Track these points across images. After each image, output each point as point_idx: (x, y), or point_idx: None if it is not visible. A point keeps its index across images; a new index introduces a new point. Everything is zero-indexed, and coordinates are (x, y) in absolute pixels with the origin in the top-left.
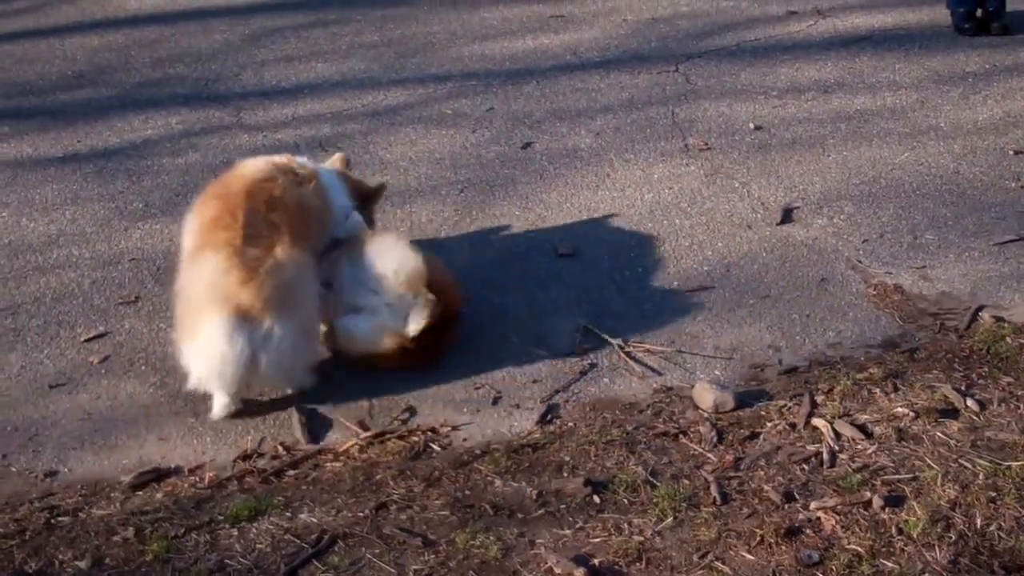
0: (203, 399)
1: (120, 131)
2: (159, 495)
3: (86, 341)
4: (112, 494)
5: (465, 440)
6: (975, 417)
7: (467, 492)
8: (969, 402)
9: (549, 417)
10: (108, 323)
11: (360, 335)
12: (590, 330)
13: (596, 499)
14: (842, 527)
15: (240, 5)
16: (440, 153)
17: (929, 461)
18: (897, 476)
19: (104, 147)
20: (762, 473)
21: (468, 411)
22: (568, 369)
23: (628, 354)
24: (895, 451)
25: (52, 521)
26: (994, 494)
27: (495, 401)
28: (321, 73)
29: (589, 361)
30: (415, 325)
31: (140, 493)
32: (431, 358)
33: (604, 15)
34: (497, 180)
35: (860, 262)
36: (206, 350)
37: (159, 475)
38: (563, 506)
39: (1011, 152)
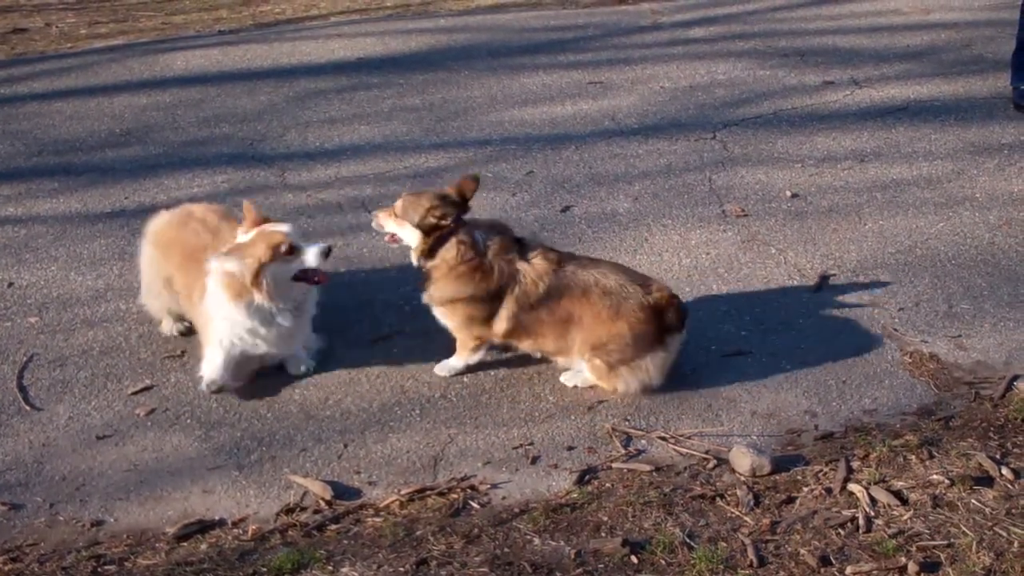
0: (246, 452)
1: (167, 188)
2: (203, 546)
3: (133, 394)
4: (157, 544)
5: (504, 498)
6: (1010, 485)
7: (506, 550)
8: (1004, 470)
9: (587, 477)
10: (154, 376)
11: None
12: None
13: (634, 559)
14: None
15: (285, 67)
16: (480, 215)
17: (964, 528)
18: (932, 542)
19: (152, 204)
20: (798, 537)
21: (507, 470)
22: (605, 430)
23: (665, 424)
24: (930, 517)
25: (99, 570)
26: None
27: (534, 460)
28: (364, 135)
29: (626, 423)
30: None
31: (185, 544)
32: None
33: (642, 82)
34: (534, 239)
35: (896, 330)
36: None
37: (203, 527)
38: (601, 566)
39: None
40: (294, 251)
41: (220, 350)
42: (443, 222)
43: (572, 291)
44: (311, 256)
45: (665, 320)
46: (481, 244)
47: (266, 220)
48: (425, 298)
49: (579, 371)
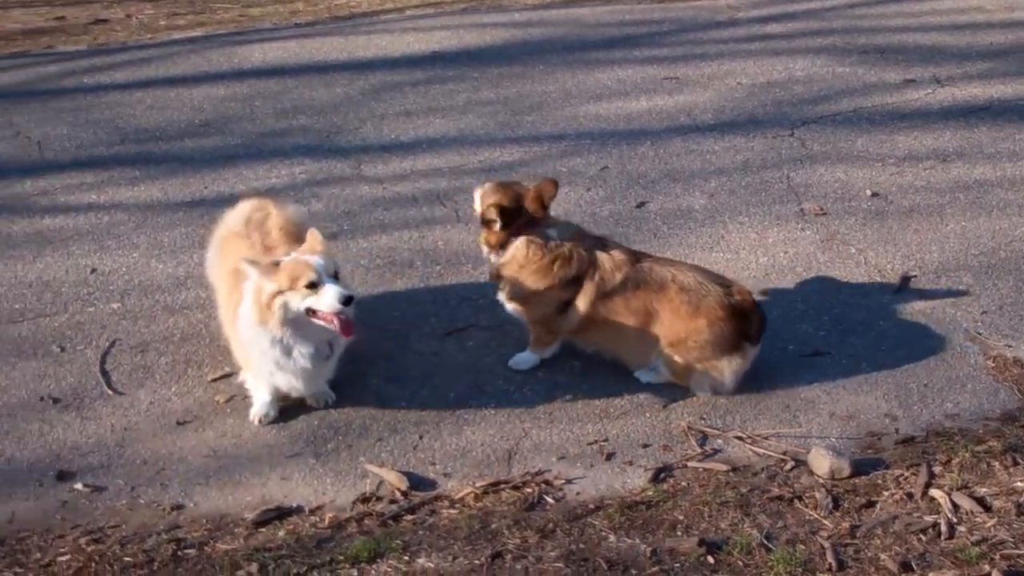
0: (323, 441)
1: (246, 179)
2: (281, 533)
3: (212, 381)
4: (236, 530)
5: (578, 494)
6: None
7: (581, 546)
8: None
9: (662, 476)
10: (233, 364)
11: None
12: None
13: (710, 559)
14: None
15: (361, 59)
16: (555, 210)
17: None
18: (1017, 551)
19: (230, 193)
20: (879, 542)
21: (581, 465)
22: (680, 428)
23: (742, 424)
24: (1015, 525)
25: (179, 553)
26: None
27: (608, 457)
28: (439, 128)
29: (702, 422)
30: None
31: (263, 530)
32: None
33: (719, 78)
34: (611, 238)
35: (979, 333)
36: None
37: (281, 513)
38: (677, 565)
39: None
40: (314, 287)
41: (260, 381)
42: (495, 223)
43: (649, 285)
44: (325, 296)
45: (745, 326)
46: (553, 240)
47: (321, 247)
48: (499, 295)
49: (654, 368)
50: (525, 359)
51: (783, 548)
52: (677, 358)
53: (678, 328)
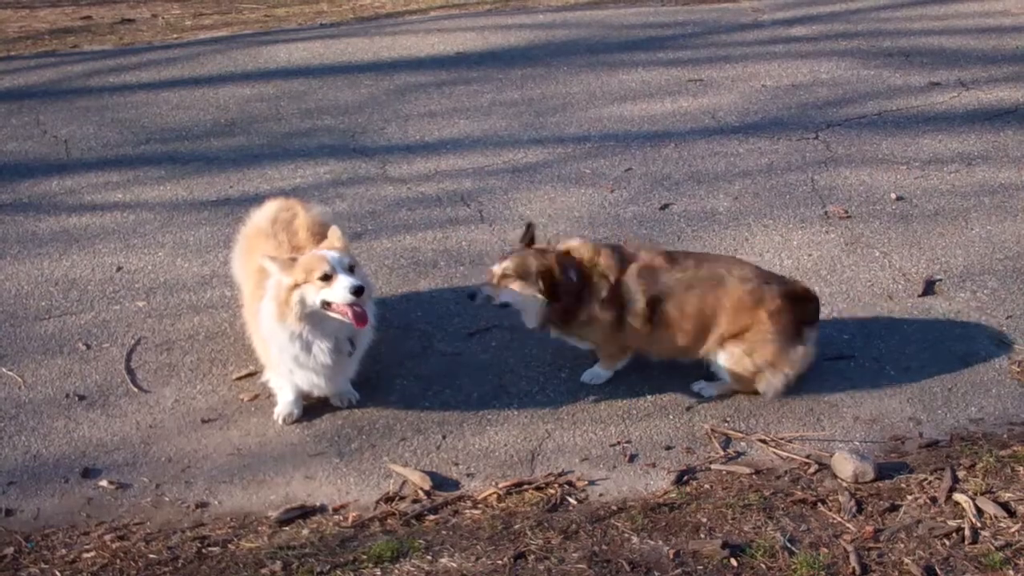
0: (347, 440)
1: (271, 178)
2: (305, 531)
3: (237, 379)
4: (260, 528)
5: (601, 495)
6: None
7: (604, 547)
8: None
9: (685, 478)
10: (258, 363)
11: None
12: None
13: (733, 562)
14: None
15: (385, 60)
16: (579, 211)
17: None
18: None
19: (255, 193)
20: (902, 546)
21: (604, 467)
22: (703, 431)
23: (765, 427)
24: None
25: (203, 551)
26: None
27: (631, 458)
28: (463, 129)
29: (725, 424)
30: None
31: (287, 528)
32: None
33: (743, 80)
34: (623, 241)
35: (1004, 338)
36: None
37: (305, 512)
38: (700, 567)
39: None
40: (327, 279)
41: (284, 380)
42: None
43: (704, 282)
44: (337, 288)
45: (804, 311)
46: (572, 271)
47: (340, 243)
48: (555, 334)
49: (713, 381)
50: (598, 374)
51: (806, 551)
52: (738, 351)
53: (744, 319)
